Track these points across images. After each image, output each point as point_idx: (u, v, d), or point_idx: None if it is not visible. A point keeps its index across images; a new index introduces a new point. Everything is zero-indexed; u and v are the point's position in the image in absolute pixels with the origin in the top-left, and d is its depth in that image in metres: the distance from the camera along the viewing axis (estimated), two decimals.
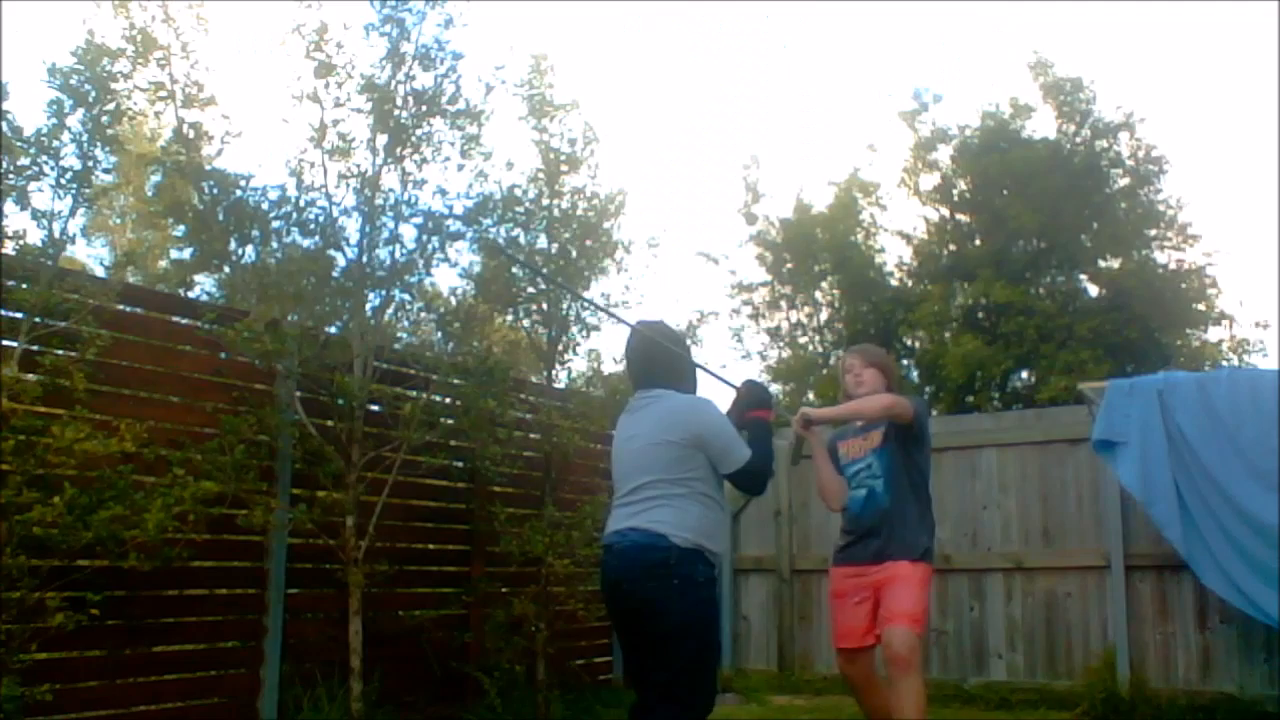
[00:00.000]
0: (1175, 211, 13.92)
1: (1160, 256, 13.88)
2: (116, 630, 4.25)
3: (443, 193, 5.44)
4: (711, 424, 3.15)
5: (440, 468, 5.59)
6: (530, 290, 6.23)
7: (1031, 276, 14.17)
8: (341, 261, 5.17)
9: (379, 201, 5.18)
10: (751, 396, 3.37)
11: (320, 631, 5.04)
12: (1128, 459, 5.89)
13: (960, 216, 15.26)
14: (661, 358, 3.29)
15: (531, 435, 6.32)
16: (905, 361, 15.12)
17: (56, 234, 4.09)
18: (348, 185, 5.16)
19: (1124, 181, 13.99)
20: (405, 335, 6.26)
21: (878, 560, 3.83)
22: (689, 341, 6.40)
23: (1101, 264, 14.07)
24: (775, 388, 16.23)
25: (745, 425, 3.31)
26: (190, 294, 8.04)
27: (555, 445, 6.10)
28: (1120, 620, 6.31)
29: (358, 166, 5.15)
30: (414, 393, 5.22)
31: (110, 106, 4.27)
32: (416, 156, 5.28)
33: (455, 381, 5.44)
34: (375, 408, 5.14)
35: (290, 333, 4.79)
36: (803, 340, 16.10)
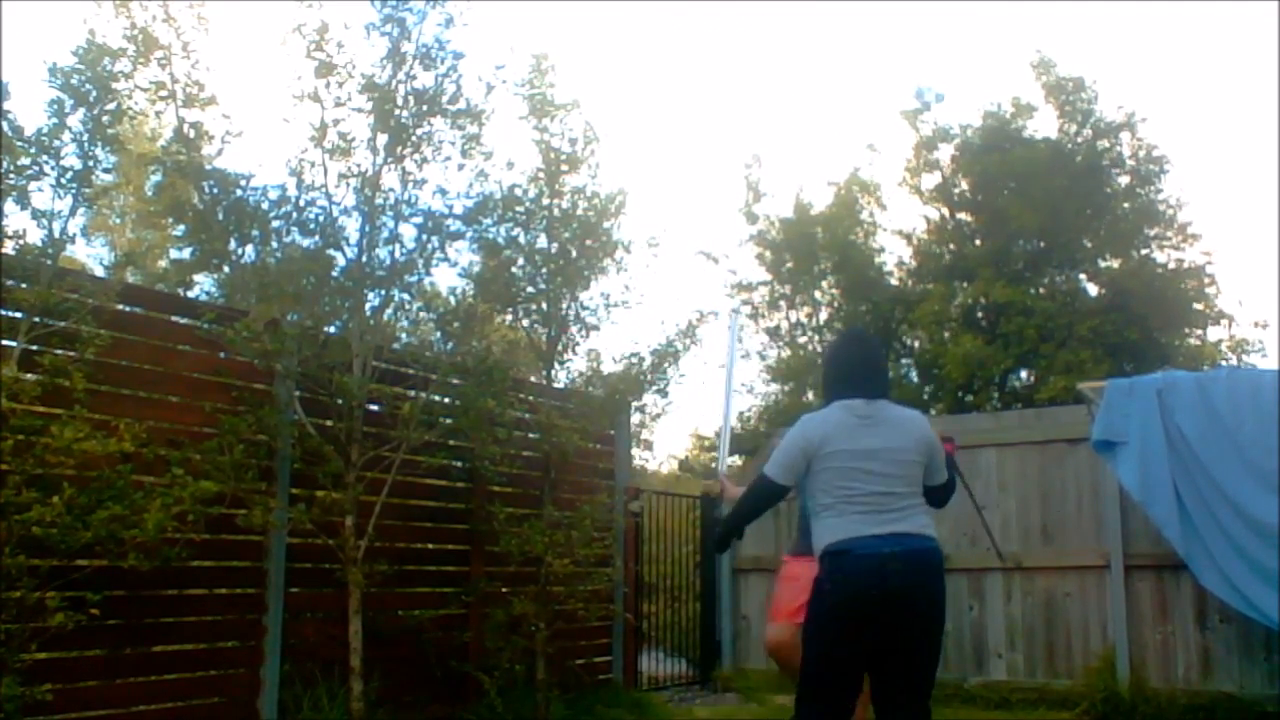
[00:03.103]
0: (1175, 211, 13.91)
1: (1160, 256, 13.89)
2: (116, 630, 4.25)
3: (443, 192, 5.45)
4: (935, 440, 3.43)
5: (439, 467, 5.60)
6: (530, 290, 6.23)
7: (1031, 276, 14.17)
8: (341, 261, 5.16)
9: (379, 201, 5.17)
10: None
11: (320, 631, 5.03)
12: (1127, 459, 5.89)
13: (961, 216, 15.27)
14: (884, 367, 3.61)
15: (531, 435, 6.32)
16: (905, 361, 15.12)
17: (56, 234, 4.08)
18: (348, 185, 5.16)
19: (1124, 181, 13.99)
20: (404, 335, 6.26)
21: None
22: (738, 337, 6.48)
23: (1101, 264, 14.08)
24: (775, 387, 16.25)
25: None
26: (190, 294, 8.03)
27: (554, 445, 6.10)
28: (1120, 620, 6.31)
29: (358, 166, 5.15)
30: (413, 392, 5.22)
31: (111, 106, 4.26)
32: (417, 156, 5.28)
33: (454, 381, 5.44)
34: (374, 407, 5.13)
35: (290, 332, 4.79)
36: (802, 340, 16.10)
